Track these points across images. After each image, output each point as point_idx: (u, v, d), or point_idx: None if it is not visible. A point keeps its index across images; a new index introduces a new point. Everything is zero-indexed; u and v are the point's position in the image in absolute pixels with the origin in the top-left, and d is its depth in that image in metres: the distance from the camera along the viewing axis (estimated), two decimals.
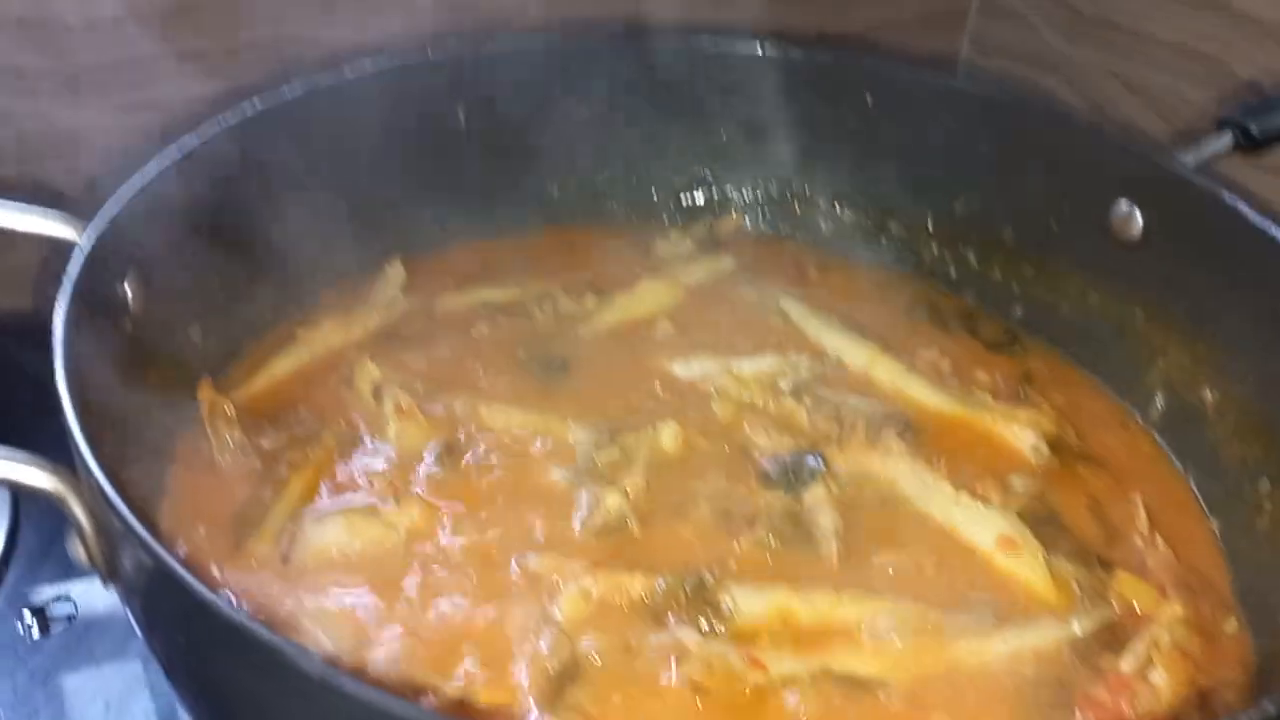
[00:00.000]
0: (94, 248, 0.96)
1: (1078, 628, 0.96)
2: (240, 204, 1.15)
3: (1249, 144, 1.22)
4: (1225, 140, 1.22)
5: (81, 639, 1.08)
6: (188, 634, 0.73)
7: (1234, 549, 1.07)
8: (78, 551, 0.85)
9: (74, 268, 0.94)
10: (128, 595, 0.83)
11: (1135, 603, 0.99)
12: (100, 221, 0.97)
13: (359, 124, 1.24)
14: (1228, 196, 1.12)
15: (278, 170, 1.17)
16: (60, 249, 0.98)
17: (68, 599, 1.11)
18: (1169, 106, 1.51)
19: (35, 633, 1.08)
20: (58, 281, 0.92)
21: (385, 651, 0.90)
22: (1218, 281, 1.14)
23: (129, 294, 1.01)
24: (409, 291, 1.28)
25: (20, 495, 1.18)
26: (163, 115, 1.36)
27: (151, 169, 1.04)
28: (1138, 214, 1.20)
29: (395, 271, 1.30)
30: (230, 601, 0.91)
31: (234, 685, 0.73)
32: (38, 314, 0.92)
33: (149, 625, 0.81)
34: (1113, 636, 0.95)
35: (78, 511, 0.83)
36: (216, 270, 1.14)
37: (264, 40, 1.41)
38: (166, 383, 1.07)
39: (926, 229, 1.40)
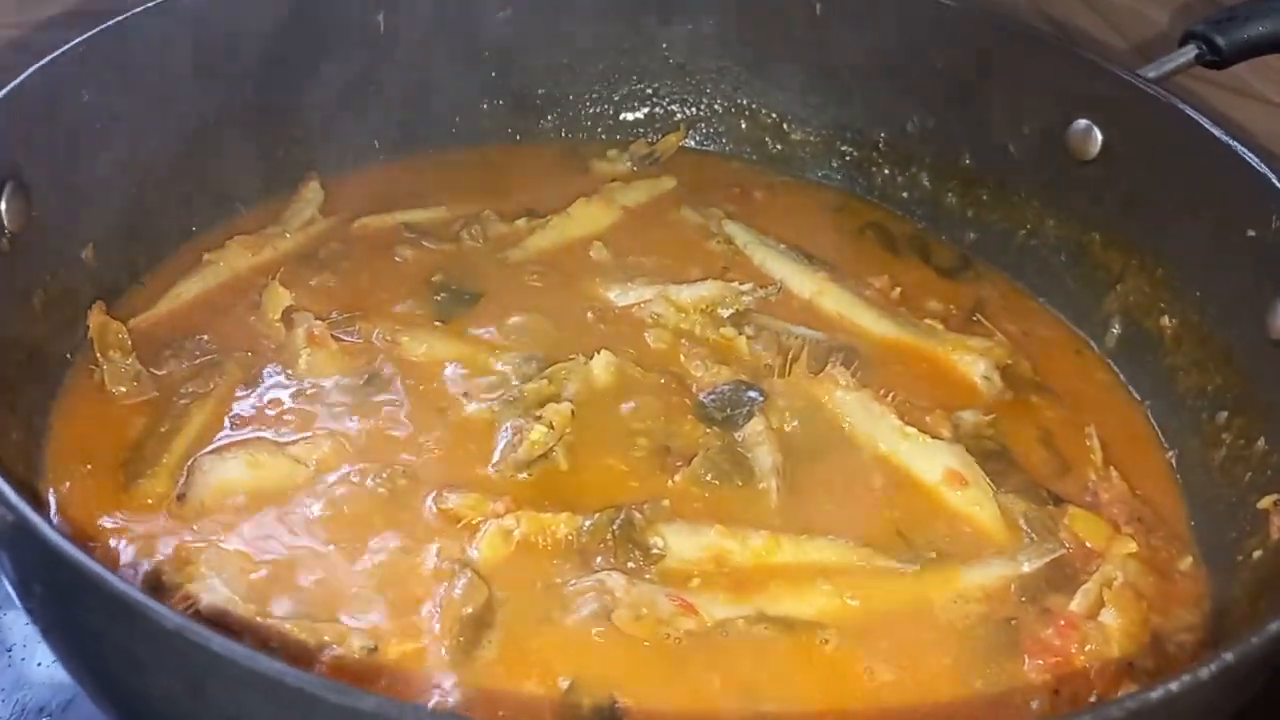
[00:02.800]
0: None
1: (1026, 565, 0.91)
2: (134, 115, 1.06)
3: (1214, 57, 1.16)
4: (1188, 54, 1.16)
5: None
6: (43, 582, 0.66)
7: (1190, 482, 1.03)
8: None
9: None
10: None
11: (1087, 539, 0.95)
12: None
13: (267, 26, 1.15)
14: (1189, 109, 1.06)
15: (174, 77, 1.08)
16: None
17: None
18: (1130, 26, 1.45)
19: None
20: None
21: (288, 599, 0.84)
22: (1178, 201, 1.09)
23: (5, 210, 0.92)
24: (326, 212, 1.20)
25: None
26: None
27: (25, 75, 0.94)
28: (1096, 131, 1.15)
29: (312, 190, 1.21)
30: (108, 546, 0.85)
31: (95, 638, 0.66)
32: None
33: (7, 574, 0.74)
34: (1063, 576, 0.91)
35: None
36: (111, 187, 1.06)
37: None
38: (53, 307, 0.99)
39: (878, 149, 1.33)
